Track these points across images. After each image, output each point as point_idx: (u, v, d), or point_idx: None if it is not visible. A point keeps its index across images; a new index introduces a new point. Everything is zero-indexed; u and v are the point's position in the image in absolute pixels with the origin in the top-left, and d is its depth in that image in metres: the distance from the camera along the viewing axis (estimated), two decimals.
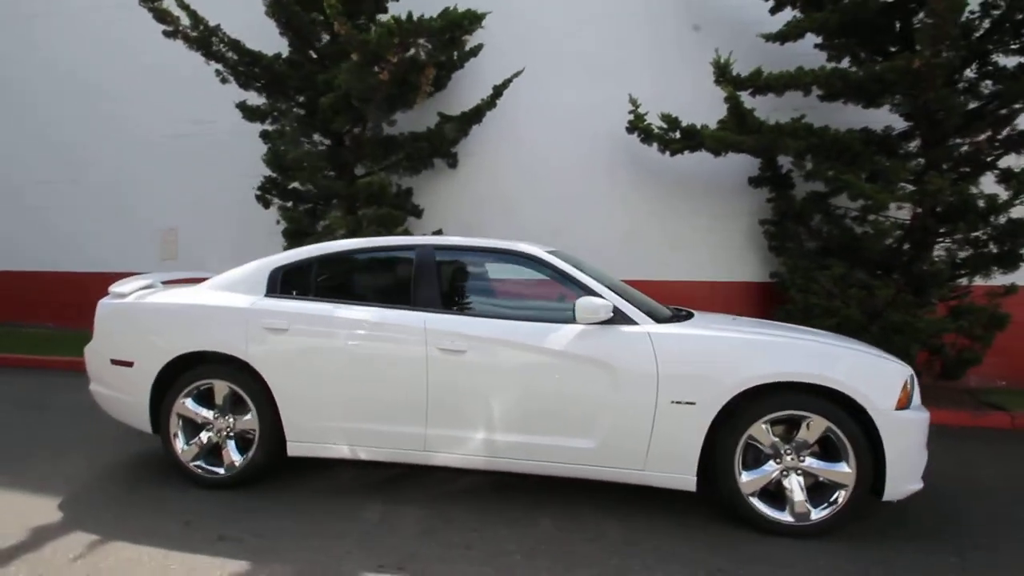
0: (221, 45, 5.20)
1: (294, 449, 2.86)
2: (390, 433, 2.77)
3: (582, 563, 2.24)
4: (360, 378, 2.77)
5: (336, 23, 4.51)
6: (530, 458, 2.68)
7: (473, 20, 4.83)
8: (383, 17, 5.87)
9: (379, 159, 5.72)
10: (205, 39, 5.15)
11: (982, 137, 4.27)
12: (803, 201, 5.31)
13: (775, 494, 2.54)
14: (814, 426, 2.47)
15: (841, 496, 2.46)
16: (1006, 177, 4.32)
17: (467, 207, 6.79)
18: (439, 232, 6.30)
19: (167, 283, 3.37)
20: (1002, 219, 4.30)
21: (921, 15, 4.11)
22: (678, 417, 2.52)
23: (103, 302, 3.12)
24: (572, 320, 2.67)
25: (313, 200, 6.07)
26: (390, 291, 3.05)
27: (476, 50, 5.31)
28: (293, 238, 5.93)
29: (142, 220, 7.91)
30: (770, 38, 5.02)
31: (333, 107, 5.04)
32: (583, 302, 2.56)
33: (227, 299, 2.96)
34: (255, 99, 5.82)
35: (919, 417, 2.50)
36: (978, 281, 4.61)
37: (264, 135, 5.89)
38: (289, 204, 6.14)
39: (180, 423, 2.93)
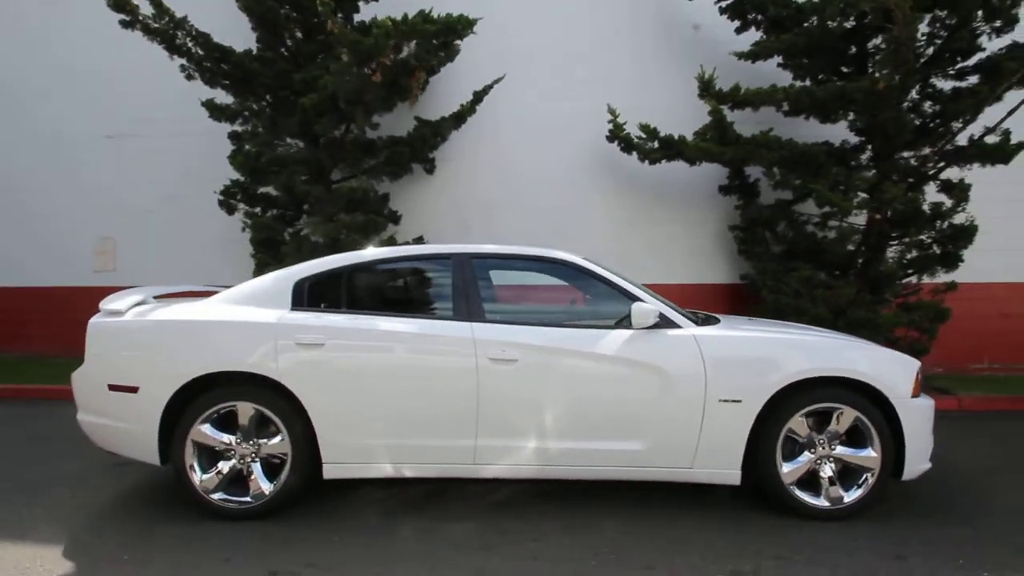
0: (188, 39, 4.78)
1: (331, 471, 2.69)
2: (438, 447, 2.68)
3: (656, 563, 2.28)
4: (405, 392, 2.66)
5: (329, 22, 4.31)
6: (581, 464, 2.70)
7: (466, 25, 4.79)
8: (359, 17, 5.71)
9: (359, 163, 5.51)
10: (168, 31, 4.73)
11: (927, 151, 4.82)
12: (769, 208, 5.74)
13: (810, 482, 2.73)
14: (844, 417, 2.68)
15: (868, 479, 2.69)
16: (947, 188, 4.91)
17: (444, 213, 6.70)
18: (420, 239, 6.17)
19: (159, 298, 3.07)
20: (945, 225, 4.88)
21: (878, 40, 4.59)
22: (725, 415, 2.65)
23: (95, 321, 2.78)
24: (619, 325, 2.75)
25: (283, 206, 5.74)
26: (428, 301, 2.96)
27: (452, 55, 5.26)
28: (263, 247, 5.57)
29: (74, 229, 7.12)
30: (742, 56, 5.38)
31: (316, 108, 4.79)
32: (638, 307, 2.63)
33: (249, 314, 2.74)
34: (222, 97, 5.41)
35: (928, 404, 2.77)
36: (924, 279, 5.19)
37: (233, 136, 5.48)
38: (257, 210, 5.77)
39: (196, 452, 2.67)
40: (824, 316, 5.08)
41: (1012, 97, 4.51)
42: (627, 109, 5.99)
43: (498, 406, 2.64)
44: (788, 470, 2.68)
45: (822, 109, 5.13)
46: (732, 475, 2.69)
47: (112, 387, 2.69)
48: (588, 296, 3.00)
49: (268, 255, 5.34)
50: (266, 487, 2.66)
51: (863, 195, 5.07)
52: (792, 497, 2.67)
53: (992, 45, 4.60)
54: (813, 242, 5.57)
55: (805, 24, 5.30)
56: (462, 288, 2.81)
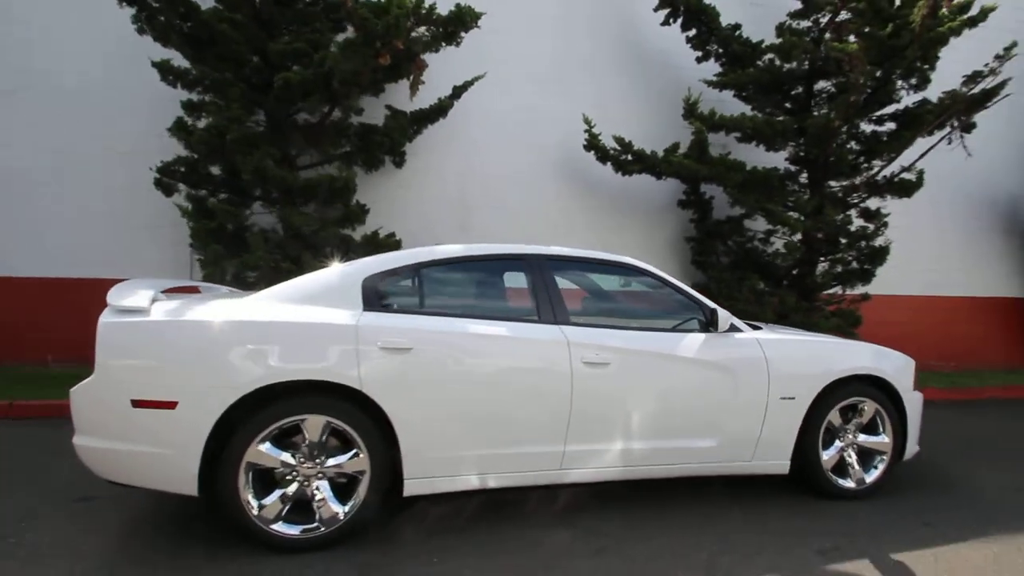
0: None
1: (413, 487, 2.44)
2: (527, 455, 2.57)
3: (763, 549, 2.42)
4: (497, 399, 2.51)
5: None
6: (661, 463, 2.78)
7: (474, 17, 4.61)
8: None
9: (333, 149, 5.02)
10: None
11: (857, 181, 5.72)
12: (724, 223, 6.36)
13: (839, 467, 3.10)
14: (867, 409, 3.09)
15: (881, 462, 3.14)
16: (867, 215, 5.87)
17: (411, 208, 6.37)
18: (392, 235, 5.80)
19: (168, 292, 2.55)
20: (864, 246, 5.82)
21: (827, 83, 5.36)
22: (783, 411, 2.90)
23: (110, 322, 2.22)
24: (679, 328, 2.89)
25: (235, 191, 5.02)
26: (508, 303, 2.81)
27: (455, 43, 5.05)
28: (213, 237, 4.82)
29: None
30: (711, 84, 5.91)
31: (303, 85, 4.26)
32: (723, 313, 2.78)
33: (319, 314, 2.39)
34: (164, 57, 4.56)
35: (920, 396, 3.31)
36: (841, 291, 6.14)
37: (190, 107, 4.65)
38: (203, 193, 4.98)
39: (250, 476, 2.26)
40: (771, 319, 5.77)
41: (920, 142, 5.54)
42: (596, 120, 6.25)
43: (590, 410, 2.61)
44: (827, 457, 3.02)
45: (773, 138, 5.82)
46: (783, 465, 2.97)
47: (138, 403, 2.17)
48: (652, 300, 3.09)
49: (222, 246, 4.63)
50: (338, 510, 2.33)
51: (798, 216, 5.86)
52: (829, 481, 3.01)
53: (908, 99, 5.62)
54: (756, 255, 6.30)
55: (759, 63, 6.00)
56: (543, 290, 2.74)
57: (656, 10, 6.21)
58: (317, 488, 2.33)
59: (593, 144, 6.10)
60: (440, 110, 5.68)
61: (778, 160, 6.34)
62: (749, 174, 5.63)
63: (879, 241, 5.78)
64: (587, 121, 6.23)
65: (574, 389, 2.58)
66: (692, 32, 6.33)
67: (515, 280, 2.83)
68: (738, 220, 6.23)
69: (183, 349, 2.24)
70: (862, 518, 2.81)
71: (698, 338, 2.84)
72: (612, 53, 7.01)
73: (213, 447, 2.22)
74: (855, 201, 5.85)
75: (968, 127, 5.49)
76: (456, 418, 2.46)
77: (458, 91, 5.87)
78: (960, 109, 5.30)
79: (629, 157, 6.05)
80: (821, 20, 5.31)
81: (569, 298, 2.91)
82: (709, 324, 2.89)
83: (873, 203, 5.92)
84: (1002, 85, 5.32)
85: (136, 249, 5.87)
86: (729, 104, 6.29)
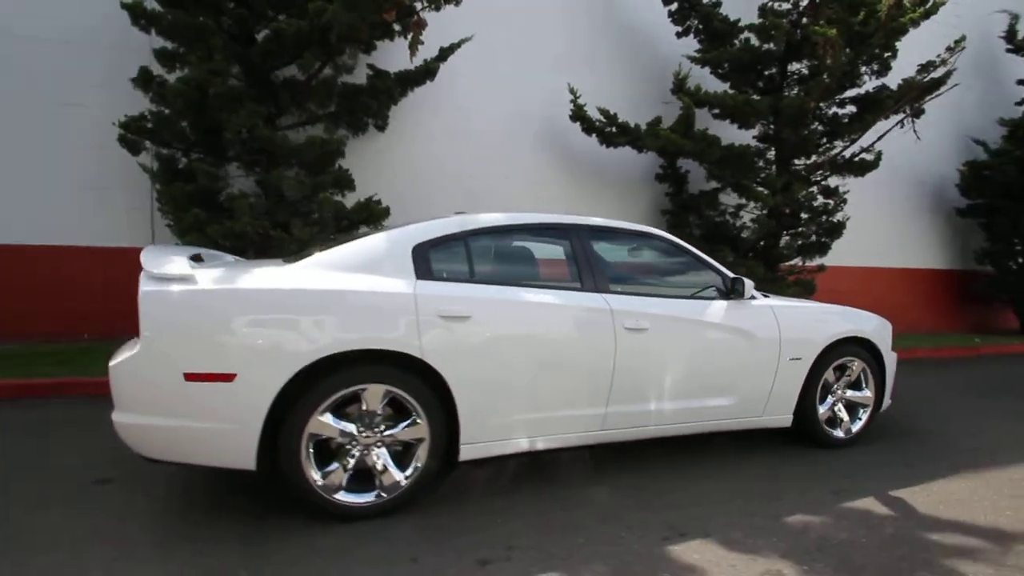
0: None
1: (468, 452, 2.48)
2: (573, 417, 2.68)
3: (783, 494, 2.67)
4: (548, 364, 2.58)
5: None
6: (686, 421, 2.98)
7: None
8: None
9: (324, 109, 4.74)
10: None
11: (820, 159, 6.14)
12: (699, 196, 6.64)
13: (830, 419, 3.45)
14: (856, 367, 3.44)
15: (863, 414, 3.52)
16: (827, 192, 6.33)
17: (393, 173, 6.17)
18: (374, 198, 5.60)
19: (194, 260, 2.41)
20: (824, 220, 6.30)
21: (799, 65, 5.66)
22: (790, 371, 3.18)
23: (153, 291, 2.07)
24: (699, 295, 3.08)
25: (212, 151, 4.65)
26: (552, 272, 2.84)
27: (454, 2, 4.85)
28: (186, 201, 4.46)
29: None
30: (693, 61, 6.06)
31: (297, 38, 3.95)
32: (748, 282, 2.97)
33: (376, 283, 2.33)
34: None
35: (895, 355, 3.71)
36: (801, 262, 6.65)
37: (164, 55, 4.18)
38: (174, 153, 4.58)
39: (312, 447, 2.22)
40: None
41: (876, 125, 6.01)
42: (582, 91, 6.28)
43: (629, 373, 2.74)
44: (822, 411, 3.35)
45: (748, 116, 6.10)
46: (787, 419, 3.26)
47: (192, 376, 2.05)
48: (676, 269, 3.23)
49: (204, 210, 4.31)
50: (399, 477, 2.34)
51: (769, 193, 6.24)
52: (824, 432, 3.35)
53: (868, 85, 6.05)
54: (726, 228, 6.66)
55: (736, 41, 6.21)
56: (584, 259, 2.81)
57: None
58: (376, 456, 2.32)
59: (579, 115, 6.14)
60: (428, 72, 5.48)
61: (746, 137, 6.67)
62: (727, 150, 5.90)
63: (838, 216, 6.28)
64: (572, 91, 6.25)
65: (617, 354, 2.69)
66: (674, 6, 6.44)
67: (556, 249, 2.88)
68: (713, 194, 6.53)
69: (241, 319, 2.12)
70: (856, 463, 3.16)
71: (722, 305, 3.03)
72: (593, 25, 7.00)
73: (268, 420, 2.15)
74: (818, 179, 6.29)
75: (919, 113, 6.01)
76: (509, 384, 2.51)
77: (445, 53, 5.68)
78: (913, 96, 5.78)
79: (613, 129, 6.14)
80: (800, 3, 5.55)
81: (627, 269, 3.02)
82: (730, 292, 3.09)
83: (832, 181, 6.40)
84: (949, 75, 5.85)
85: (82, 213, 5.35)
86: (706, 80, 6.51)
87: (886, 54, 5.66)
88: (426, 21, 4.34)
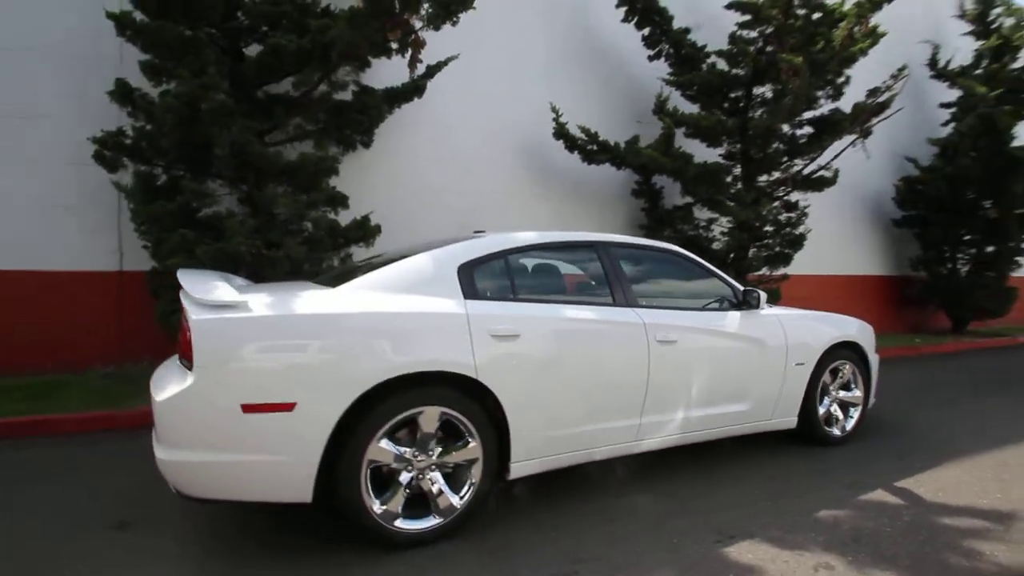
0: None
1: (518, 470, 2.50)
2: (610, 429, 2.75)
3: (806, 491, 2.85)
4: (589, 379, 2.65)
5: None
6: (708, 428, 3.12)
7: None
8: None
9: (316, 125, 4.64)
10: None
11: (783, 176, 6.59)
12: (672, 211, 6.95)
13: (826, 419, 3.69)
14: (847, 369, 3.72)
15: (856, 412, 3.80)
16: (789, 207, 6.80)
17: (378, 190, 6.08)
18: (370, 215, 5.51)
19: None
20: (786, 233, 6.76)
21: (763, 88, 6.09)
22: (795, 375, 3.40)
23: (206, 319, 1.97)
24: (707, 307, 3.25)
25: (195, 168, 4.44)
26: (585, 288, 2.92)
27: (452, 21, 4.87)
28: (169, 220, 4.23)
29: None
30: (668, 83, 6.38)
31: (298, 55, 3.86)
32: (763, 294, 3.16)
33: (428, 304, 2.33)
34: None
35: (878, 357, 4.03)
36: (768, 272, 7.08)
37: (151, 69, 3.95)
38: (157, 170, 4.34)
39: (369, 474, 2.17)
40: None
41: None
42: (561, 109, 6.46)
43: (661, 384, 2.85)
44: (822, 412, 3.60)
45: (718, 136, 6.48)
46: (792, 421, 3.48)
47: (250, 407, 1.97)
48: (690, 282, 3.39)
49: (197, 232, 4.10)
50: (454, 499, 2.33)
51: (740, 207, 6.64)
52: (824, 431, 3.59)
53: (824, 108, 6.59)
54: (700, 241, 7.00)
55: (703, 66, 6.61)
56: (614, 275, 2.91)
57: (617, 7, 6.54)
58: (431, 480, 2.30)
59: (562, 133, 6.31)
60: (416, 89, 5.47)
61: (713, 155, 7.07)
62: (702, 168, 6.23)
63: (800, 230, 6.75)
64: (555, 110, 6.42)
65: (650, 366, 2.80)
66: (646, 31, 6.77)
67: (588, 266, 2.96)
68: (687, 209, 6.86)
69: (299, 346, 2.06)
70: (854, 459, 3.41)
71: (736, 316, 3.21)
72: (570, 46, 7.23)
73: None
74: (780, 195, 6.75)
75: (867, 134, 6.59)
76: (555, 400, 2.56)
77: (432, 70, 5.70)
78: (864, 118, 6.34)
79: (595, 147, 6.35)
80: (766, 32, 5.99)
81: (651, 284, 3.14)
82: (741, 303, 3.28)
83: (792, 197, 6.88)
84: (892, 99, 6.46)
85: (38, 234, 4.95)
86: (675, 101, 6.85)
87: (839, 80, 6.20)
88: (425, 41, 4.37)
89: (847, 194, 9.11)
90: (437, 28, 4.28)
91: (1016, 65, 8.76)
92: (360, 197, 5.88)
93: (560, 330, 2.58)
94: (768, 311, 3.39)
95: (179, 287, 2.53)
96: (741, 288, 3.33)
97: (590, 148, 6.29)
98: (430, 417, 2.27)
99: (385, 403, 2.17)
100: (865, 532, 2.43)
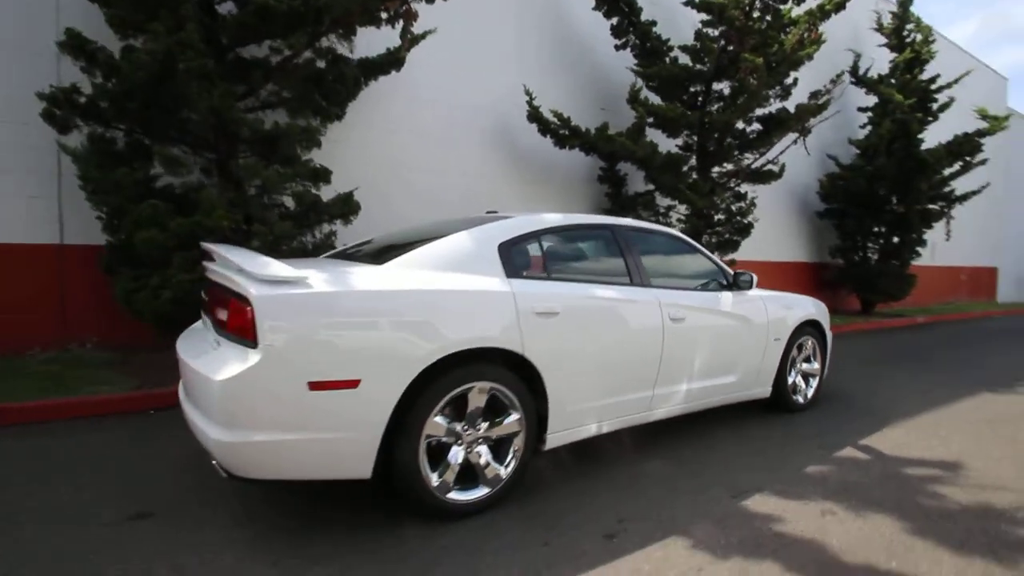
0: None
1: (553, 440, 2.62)
2: (628, 401, 2.94)
3: (792, 454, 3.20)
4: (616, 354, 2.81)
5: None
6: (705, 398, 3.40)
7: None
8: None
9: (297, 93, 4.38)
10: None
11: (735, 168, 7.09)
12: (634, 198, 7.27)
13: (793, 388, 4.13)
14: (810, 344, 4.18)
15: (815, 382, 4.28)
16: (738, 197, 7.34)
17: (349, 164, 5.85)
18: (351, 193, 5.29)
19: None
20: (736, 221, 7.30)
21: (721, 85, 6.50)
22: (773, 350, 3.78)
23: (270, 295, 1.90)
24: (704, 287, 3.53)
25: (161, 134, 4.07)
26: (605, 268, 3.03)
27: None
28: (136, 190, 3.87)
29: None
30: (635, 74, 6.62)
31: (288, 17, 3.60)
32: (755, 277, 3.45)
33: (476, 282, 2.37)
34: None
35: (831, 333, 4.54)
36: (719, 257, 7.62)
37: (119, 21, 3.49)
38: (117, 133, 3.93)
39: (426, 449, 2.20)
40: None
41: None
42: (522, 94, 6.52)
43: (671, 358, 3.07)
44: (791, 381, 4.03)
45: (679, 127, 6.84)
46: (767, 391, 3.86)
47: (316, 385, 1.93)
48: (688, 263, 3.62)
49: (162, 201, 3.78)
50: (500, 470, 2.41)
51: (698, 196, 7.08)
52: (791, 400, 4.02)
53: (772, 107, 7.13)
54: (666, 225, 7.39)
55: (666, 59, 6.91)
56: (629, 256, 3.08)
57: None
58: (478, 453, 2.37)
59: (536, 116, 6.38)
60: (396, 61, 5.30)
61: (670, 145, 7.46)
62: (667, 157, 6.57)
63: (748, 219, 7.33)
64: (528, 93, 6.47)
65: (664, 341, 3.01)
66: (615, 20, 6.95)
67: (608, 246, 3.09)
68: (650, 196, 7.21)
69: (364, 322, 2.04)
70: (818, 423, 3.85)
71: (729, 295, 3.50)
72: (543, 29, 7.27)
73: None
74: (732, 185, 7.27)
75: (807, 132, 7.23)
76: (588, 373, 2.69)
77: (410, 43, 5.55)
78: (805, 118, 6.95)
79: (566, 132, 6.49)
80: (729, 33, 6.35)
81: (659, 264, 3.33)
82: (732, 284, 3.58)
83: (742, 188, 7.44)
84: (829, 102, 7.12)
85: None
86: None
87: (788, 81, 6.74)
88: (417, 12, 4.25)
89: (780, 187, 9.92)
90: (431, 0, 4.18)
91: (924, 76, 9.91)
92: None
93: (592, 308, 2.72)
94: (753, 292, 3.72)
95: (202, 260, 2.39)
96: (731, 271, 3.63)
97: (562, 132, 6.42)
98: (480, 392, 2.33)
99: (444, 378, 2.20)
100: (850, 483, 2.80)
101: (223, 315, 2.10)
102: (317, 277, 2.05)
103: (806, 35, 6.29)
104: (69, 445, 3.07)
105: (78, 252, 4.76)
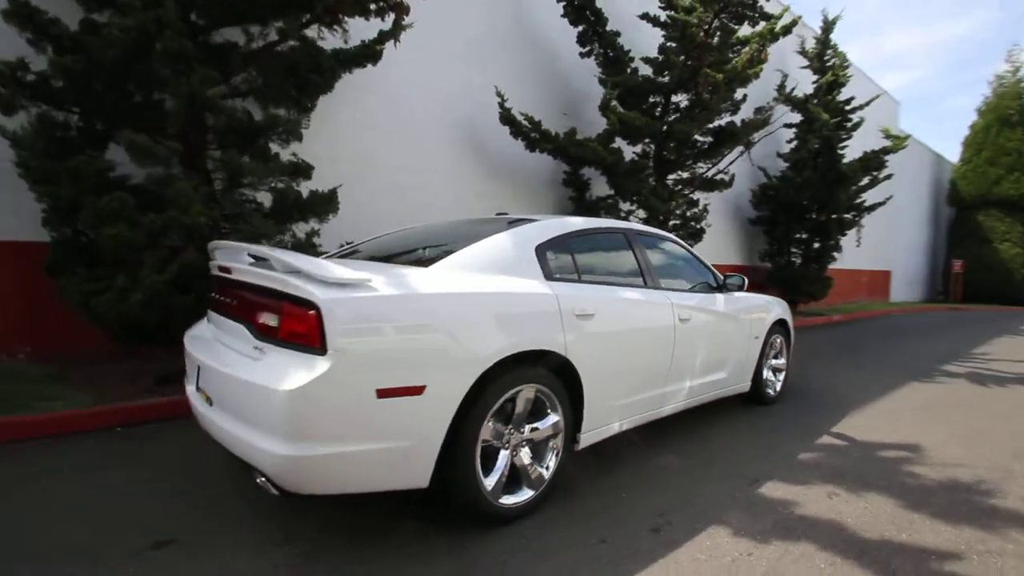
0: None
1: (585, 439, 2.68)
2: (645, 399, 3.05)
3: (780, 441, 3.48)
4: (639, 354, 2.91)
5: None
6: (702, 393, 3.60)
7: None
8: None
9: (275, 83, 4.10)
10: None
11: (689, 176, 7.53)
12: (596, 202, 7.50)
13: (766, 383, 4.47)
14: (779, 342, 4.54)
15: (782, 376, 4.65)
16: (691, 203, 7.79)
17: (317, 159, 5.54)
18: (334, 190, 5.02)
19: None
20: (690, 226, 7.75)
21: (680, 97, 6.89)
22: (754, 347, 4.07)
23: (339, 299, 1.80)
24: (694, 290, 3.75)
25: (105, 116, 3.67)
26: (622, 270, 3.11)
27: None
28: (91, 181, 3.47)
29: None
30: (600, 82, 6.84)
31: (280, 0, 3.35)
32: (745, 280, 3.70)
33: (523, 285, 2.37)
34: None
35: (793, 331, 4.95)
36: None
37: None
38: (73, 117, 3.50)
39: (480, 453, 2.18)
40: None
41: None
42: (491, 96, 6.54)
43: (680, 357, 3.23)
44: (766, 376, 4.36)
45: (640, 136, 7.15)
46: (747, 385, 4.16)
47: (384, 392, 1.86)
48: (683, 267, 3.80)
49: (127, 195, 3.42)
50: (542, 471, 2.43)
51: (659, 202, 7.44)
52: (764, 392, 4.35)
53: (722, 120, 7.63)
54: None
55: (628, 69, 7.21)
56: (642, 259, 3.21)
57: (558, 1, 6.79)
58: (522, 456, 2.38)
59: (508, 119, 6.41)
60: (371, 55, 5.11)
61: (629, 153, 7.78)
62: (631, 164, 6.84)
63: (701, 224, 7.80)
64: (500, 95, 6.49)
65: (675, 341, 3.16)
66: (580, 28, 7.14)
67: (624, 250, 3.19)
68: (614, 201, 7.46)
69: (428, 326, 1.98)
70: (791, 413, 4.20)
71: (722, 297, 3.74)
72: (509, 30, 7.30)
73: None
74: (686, 193, 7.71)
75: (751, 145, 7.82)
76: (616, 373, 2.78)
77: (384, 36, 5.38)
78: (751, 132, 7.52)
79: (537, 135, 6.57)
80: (688, 48, 6.73)
81: (664, 267, 3.47)
82: (721, 287, 3.81)
83: (695, 196, 7.91)
84: (769, 118, 7.74)
85: None
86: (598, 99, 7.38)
87: (737, 97, 7.27)
88: (409, 6, 4.14)
89: (718, 195, 10.67)
90: None
91: (841, 98, 11.04)
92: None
93: (620, 309, 2.81)
94: (739, 294, 3.99)
95: (215, 261, 2.22)
96: (720, 274, 3.87)
97: (533, 136, 6.50)
98: (526, 395, 2.33)
99: (499, 381, 2.18)
100: (839, 467, 3.09)
101: (268, 319, 1.95)
102: (377, 280, 1.97)
103: (756, 55, 6.80)
104: (39, 471, 2.70)
105: (6, 249, 4.18)
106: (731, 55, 7.13)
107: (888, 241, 18.18)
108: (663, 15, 7.23)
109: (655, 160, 7.64)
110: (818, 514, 2.49)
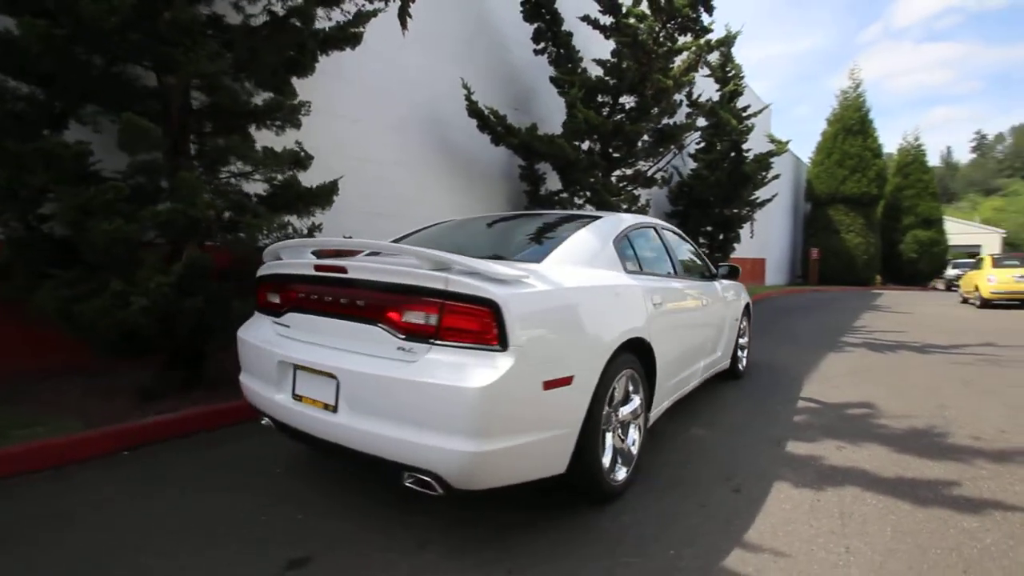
0: None
1: (652, 417, 2.93)
2: (683, 378, 3.39)
3: (772, 409, 4.02)
4: (684, 338, 3.23)
5: None
6: (707, 372, 4.04)
7: None
8: None
9: (266, 63, 3.76)
10: None
11: (634, 173, 8.11)
12: (550, 195, 7.79)
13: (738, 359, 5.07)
14: (745, 324, 5.18)
15: (744, 354, 5.31)
16: (633, 199, 8.41)
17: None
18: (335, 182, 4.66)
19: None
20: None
21: (625, 99, 7.41)
22: (733, 328, 4.63)
23: (514, 295, 1.84)
24: (707, 278, 4.20)
25: (70, 98, 3.17)
26: (661, 261, 3.37)
27: None
28: (72, 167, 2.98)
29: None
30: (553, 81, 7.11)
31: None
32: (740, 270, 4.18)
33: (618, 277, 2.55)
34: None
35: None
36: None
37: None
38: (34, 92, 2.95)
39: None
40: None
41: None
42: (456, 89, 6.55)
43: (703, 338, 3.63)
44: (740, 354, 4.96)
45: (591, 133, 7.56)
46: (728, 363, 4.71)
47: (549, 384, 1.94)
48: (686, 257, 4.18)
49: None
50: (634, 449, 2.64)
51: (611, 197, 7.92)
52: (738, 368, 4.96)
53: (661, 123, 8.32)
54: None
55: (579, 69, 7.57)
56: (670, 250, 3.53)
57: None
58: (620, 436, 2.56)
59: (475, 112, 6.43)
60: (350, 38, 4.86)
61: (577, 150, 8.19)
62: (587, 160, 7.23)
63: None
64: (466, 87, 6.48)
65: (702, 324, 3.54)
66: (536, 26, 7.34)
67: (657, 243, 3.47)
68: (569, 194, 7.80)
69: (577, 319, 2.08)
70: (765, 387, 4.82)
71: (719, 284, 4.21)
72: (469, 25, 7.26)
73: None
74: (629, 189, 8.31)
75: (682, 146, 8.62)
76: (674, 356, 3.06)
77: (362, 18, 5.13)
78: (685, 133, 8.30)
79: (502, 129, 6.68)
80: (638, 54, 7.23)
81: (682, 259, 3.79)
82: (713, 275, 4.28)
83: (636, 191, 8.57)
84: (695, 122, 8.59)
85: None
86: (542, 95, 7.67)
87: (676, 102, 7.98)
88: None
89: (645, 191, 11.56)
90: None
91: (739, 105, 12.49)
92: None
93: (676, 298, 3.10)
94: (725, 282, 4.50)
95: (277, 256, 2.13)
96: (717, 264, 4.36)
97: (499, 129, 6.60)
98: (626, 378, 2.52)
99: (613, 367, 2.33)
100: (828, 425, 3.68)
101: (414, 318, 1.92)
102: (530, 277, 2.02)
103: (693, 63, 7.52)
104: (99, 498, 2.33)
105: None
106: (670, 65, 7.79)
107: (762, 232, 20.87)
108: (603, 19, 7.67)
109: (602, 157, 8.11)
110: (842, 463, 2.99)
